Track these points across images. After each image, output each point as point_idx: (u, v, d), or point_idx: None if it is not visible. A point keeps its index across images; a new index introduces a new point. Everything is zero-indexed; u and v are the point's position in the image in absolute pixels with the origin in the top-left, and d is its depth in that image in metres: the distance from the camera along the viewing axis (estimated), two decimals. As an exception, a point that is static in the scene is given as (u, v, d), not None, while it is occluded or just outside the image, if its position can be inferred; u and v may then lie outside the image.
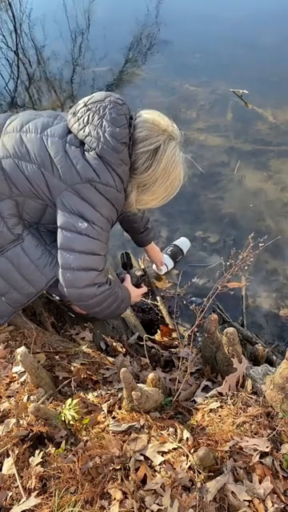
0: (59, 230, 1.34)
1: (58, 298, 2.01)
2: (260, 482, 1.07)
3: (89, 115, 1.30)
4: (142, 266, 2.45)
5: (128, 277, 1.77)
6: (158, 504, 1.02)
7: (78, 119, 1.31)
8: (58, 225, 1.34)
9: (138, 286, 1.82)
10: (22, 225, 1.44)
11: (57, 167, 1.29)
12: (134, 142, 1.33)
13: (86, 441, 1.18)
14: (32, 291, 1.50)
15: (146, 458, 1.13)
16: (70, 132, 1.34)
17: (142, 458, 1.12)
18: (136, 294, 1.74)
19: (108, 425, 1.23)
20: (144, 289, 1.83)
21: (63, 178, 1.30)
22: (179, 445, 1.16)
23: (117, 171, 1.31)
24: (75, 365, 1.52)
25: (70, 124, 1.33)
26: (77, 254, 1.33)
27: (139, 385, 1.23)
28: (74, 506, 1.01)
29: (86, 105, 1.33)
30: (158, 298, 2.23)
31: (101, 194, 1.30)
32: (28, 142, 1.33)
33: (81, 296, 1.40)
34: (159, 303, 2.21)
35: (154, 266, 2.42)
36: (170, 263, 2.43)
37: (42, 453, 1.14)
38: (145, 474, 1.09)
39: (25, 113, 1.44)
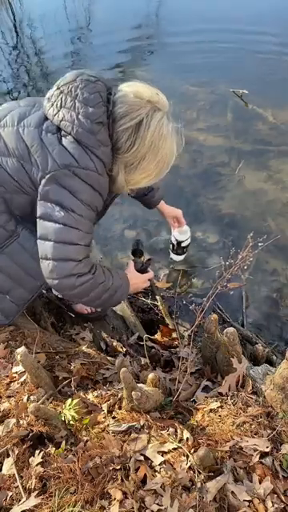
0: (37, 220, 1.30)
1: (59, 295, 2.00)
2: (260, 482, 1.07)
3: (61, 98, 1.24)
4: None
5: (131, 263, 1.69)
6: (158, 504, 1.02)
7: (52, 104, 1.26)
8: (37, 215, 1.30)
9: (143, 271, 1.70)
10: (14, 220, 1.41)
11: (34, 157, 1.26)
12: (113, 119, 1.25)
13: (86, 441, 1.18)
14: (36, 284, 1.49)
15: (146, 458, 1.13)
16: (47, 119, 1.29)
17: (142, 457, 1.13)
18: (141, 279, 1.66)
19: (108, 425, 1.23)
20: (150, 274, 1.71)
21: (41, 168, 1.25)
22: (179, 445, 1.16)
23: (96, 153, 1.24)
24: (75, 365, 1.52)
25: (45, 110, 1.28)
26: (53, 243, 1.28)
27: (139, 385, 1.23)
28: (74, 506, 1.01)
29: (58, 88, 1.26)
30: (157, 298, 2.23)
31: (80, 179, 1.24)
32: (6, 136, 1.29)
33: (60, 286, 1.35)
34: (159, 303, 2.21)
35: (173, 234, 2.17)
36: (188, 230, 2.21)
37: (42, 453, 1.14)
38: (145, 474, 1.09)
39: (3, 107, 1.39)
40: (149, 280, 1.74)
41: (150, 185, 1.41)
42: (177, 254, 2.34)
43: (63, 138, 1.24)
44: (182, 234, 2.17)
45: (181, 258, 2.39)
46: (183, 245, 2.20)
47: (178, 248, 2.22)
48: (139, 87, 1.26)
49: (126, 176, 1.33)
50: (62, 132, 1.24)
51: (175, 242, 2.21)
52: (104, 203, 1.41)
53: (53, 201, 1.26)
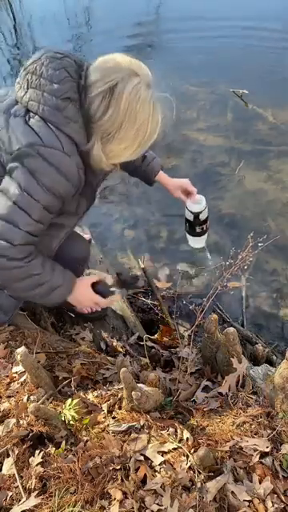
0: None
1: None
2: (260, 482, 1.07)
3: (28, 78, 1.19)
4: (142, 266, 2.45)
5: (94, 277, 1.55)
6: (158, 504, 1.02)
7: (20, 86, 1.22)
8: None
9: (100, 293, 1.52)
10: None
11: (2, 141, 1.23)
12: (86, 91, 1.17)
13: (86, 441, 1.18)
14: None
15: (146, 458, 1.13)
16: (17, 103, 1.24)
17: (142, 457, 1.13)
18: (90, 297, 1.50)
19: (108, 425, 1.23)
20: (101, 300, 1.52)
21: (8, 150, 1.22)
22: (179, 445, 1.16)
23: (64, 131, 1.17)
24: (75, 365, 1.52)
25: (15, 94, 1.24)
26: None
27: (139, 385, 1.23)
28: (74, 506, 1.01)
29: (25, 68, 1.21)
30: (158, 298, 2.23)
31: (44, 159, 1.17)
32: None
33: None
34: (159, 303, 2.21)
35: (186, 207, 1.79)
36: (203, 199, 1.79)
37: (42, 453, 1.14)
38: (145, 474, 1.09)
39: None
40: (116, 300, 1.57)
41: (135, 157, 1.29)
42: (196, 234, 1.92)
43: (31, 118, 1.19)
44: (196, 203, 1.77)
45: (202, 241, 1.96)
46: (201, 217, 1.80)
47: (196, 223, 1.82)
48: (118, 56, 1.19)
49: (104, 147, 1.22)
50: (31, 113, 1.20)
51: (191, 217, 1.81)
52: (91, 186, 1.33)
53: (13, 178, 1.20)
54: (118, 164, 1.34)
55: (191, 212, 1.79)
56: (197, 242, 1.97)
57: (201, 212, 1.79)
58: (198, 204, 1.77)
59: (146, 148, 1.26)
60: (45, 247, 1.43)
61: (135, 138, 1.20)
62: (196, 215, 1.80)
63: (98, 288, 1.52)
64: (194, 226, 1.86)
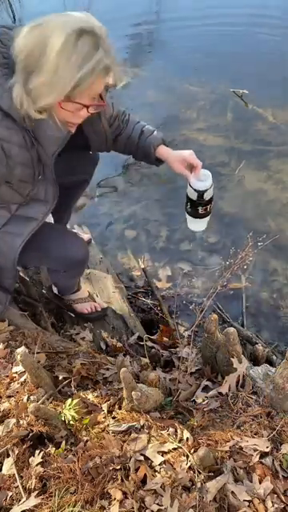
0: None
1: (57, 292, 2.00)
2: (260, 482, 1.07)
3: None
4: (142, 266, 2.45)
5: None
6: (157, 504, 1.02)
7: None
8: None
9: None
10: None
11: None
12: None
13: (86, 441, 1.18)
14: (11, 259, 1.46)
15: (146, 458, 1.13)
16: None
17: (142, 458, 1.12)
18: None
19: (108, 425, 1.23)
20: None
21: None
22: (179, 445, 1.16)
23: None
24: (75, 365, 1.51)
25: None
26: None
27: (139, 385, 1.23)
28: (74, 506, 1.01)
29: None
30: (158, 298, 2.24)
31: None
32: None
33: None
34: (159, 303, 2.21)
35: (189, 184, 1.49)
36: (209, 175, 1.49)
37: (42, 453, 1.14)
38: (145, 474, 1.09)
39: None
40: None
41: (57, 98, 1.09)
42: (198, 216, 1.60)
43: None
44: (200, 180, 1.48)
45: (203, 223, 1.67)
46: (206, 196, 1.51)
47: (200, 204, 1.54)
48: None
49: (27, 85, 1.07)
50: None
51: (195, 196, 1.51)
52: (48, 167, 1.29)
53: None
54: (67, 127, 1.20)
55: (195, 190, 1.50)
56: (197, 225, 1.67)
57: (206, 190, 1.50)
58: (203, 181, 1.49)
59: (68, 88, 1.06)
60: (8, 247, 1.43)
61: (55, 72, 1.03)
62: (200, 194, 1.51)
63: None
64: (197, 206, 1.57)
